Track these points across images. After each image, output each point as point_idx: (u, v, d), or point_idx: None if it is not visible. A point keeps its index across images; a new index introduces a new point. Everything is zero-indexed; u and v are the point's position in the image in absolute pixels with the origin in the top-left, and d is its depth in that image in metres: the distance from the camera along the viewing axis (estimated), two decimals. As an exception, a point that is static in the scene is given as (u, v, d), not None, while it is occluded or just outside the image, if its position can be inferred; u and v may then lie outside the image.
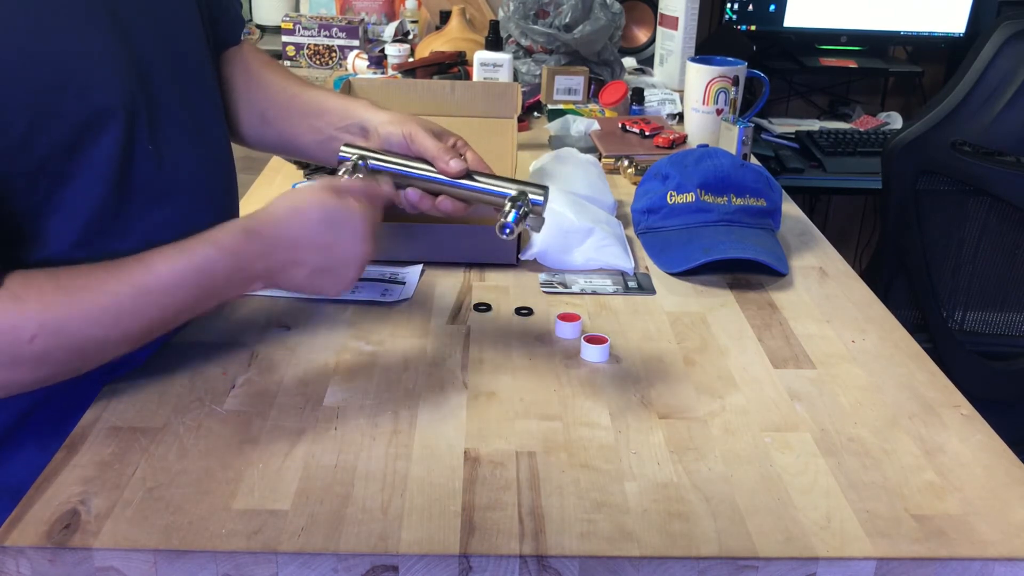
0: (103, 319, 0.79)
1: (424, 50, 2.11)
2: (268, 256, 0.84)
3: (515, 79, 1.93)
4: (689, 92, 1.69)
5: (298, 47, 2.23)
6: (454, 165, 0.93)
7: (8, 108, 0.77)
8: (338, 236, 0.84)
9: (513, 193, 0.93)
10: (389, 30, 2.32)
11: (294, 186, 1.42)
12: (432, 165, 0.95)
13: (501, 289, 1.13)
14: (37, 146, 0.79)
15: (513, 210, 0.91)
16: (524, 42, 1.98)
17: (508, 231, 0.90)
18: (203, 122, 0.98)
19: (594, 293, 1.12)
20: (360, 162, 0.95)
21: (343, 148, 0.96)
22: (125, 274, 0.80)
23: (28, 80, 0.77)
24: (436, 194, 0.95)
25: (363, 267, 0.87)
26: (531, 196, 0.93)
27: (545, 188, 0.94)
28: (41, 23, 0.79)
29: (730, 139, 1.56)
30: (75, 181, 0.83)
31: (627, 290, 1.13)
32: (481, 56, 1.86)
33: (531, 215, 0.92)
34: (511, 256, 1.18)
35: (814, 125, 2.42)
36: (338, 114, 1.04)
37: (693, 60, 1.69)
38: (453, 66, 1.99)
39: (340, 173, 0.94)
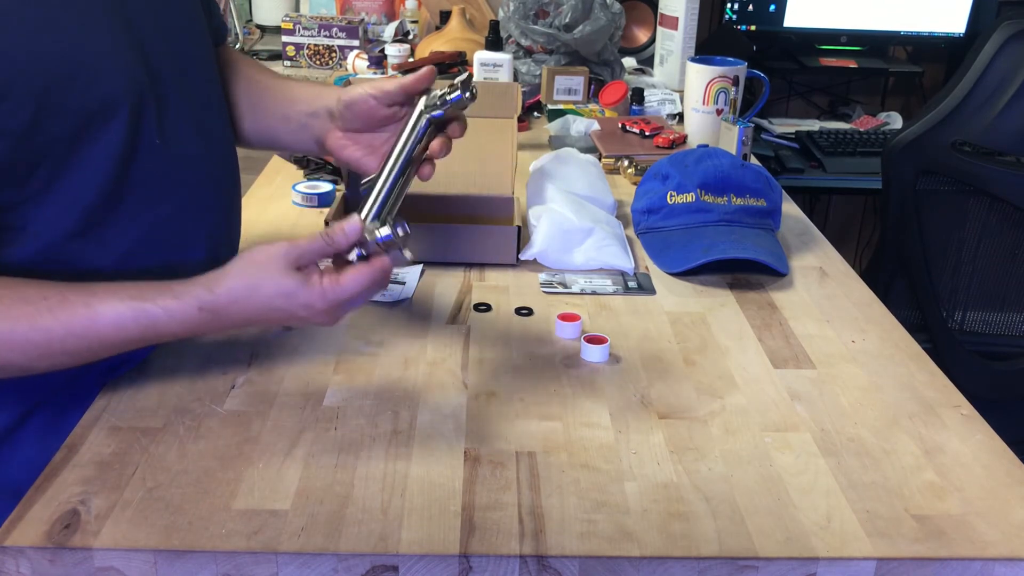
0: (30, 351, 0.79)
1: (424, 50, 2.11)
2: (221, 327, 0.84)
3: (515, 79, 1.93)
4: (689, 92, 1.69)
5: (298, 47, 2.23)
6: (424, 71, 0.91)
7: (14, 97, 0.77)
8: (291, 304, 0.81)
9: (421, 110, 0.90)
10: (389, 30, 2.32)
11: (294, 197, 1.42)
12: (409, 92, 0.92)
13: (501, 289, 1.13)
14: (41, 136, 0.80)
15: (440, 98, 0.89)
16: (524, 42, 1.98)
17: (467, 89, 0.88)
18: (207, 117, 0.98)
19: (594, 293, 1.12)
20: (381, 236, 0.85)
21: (363, 184, 0.91)
22: (67, 315, 0.79)
23: (35, 71, 0.78)
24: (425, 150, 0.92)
25: (336, 322, 0.83)
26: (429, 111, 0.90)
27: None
28: (49, 15, 0.80)
29: (730, 139, 1.56)
30: (75, 172, 0.83)
31: (627, 290, 1.13)
32: (481, 56, 1.86)
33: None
34: (511, 256, 1.18)
35: (814, 125, 2.42)
36: (307, 101, 1.03)
37: (693, 60, 1.68)
38: (453, 66, 1.99)
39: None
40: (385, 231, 0.83)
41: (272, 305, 0.81)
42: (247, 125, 1.09)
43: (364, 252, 0.83)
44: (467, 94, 0.88)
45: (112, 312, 0.80)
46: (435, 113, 0.89)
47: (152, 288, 0.81)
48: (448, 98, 0.89)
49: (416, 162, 0.90)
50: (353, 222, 0.82)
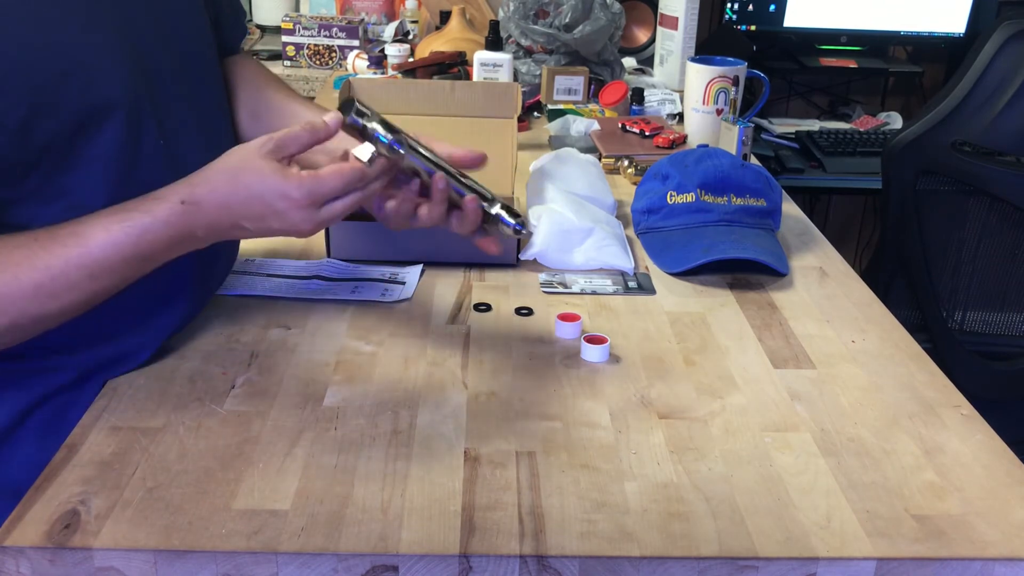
0: (39, 295, 0.79)
1: (424, 50, 2.11)
2: (207, 224, 0.83)
3: (515, 79, 1.93)
4: (689, 92, 1.69)
5: (298, 47, 2.23)
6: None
7: (8, 95, 0.77)
8: (274, 206, 0.81)
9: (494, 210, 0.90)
10: (389, 30, 2.32)
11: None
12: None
13: (501, 289, 1.13)
14: (36, 134, 0.80)
15: (506, 211, 0.89)
16: (524, 42, 1.98)
17: (521, 227, 0.88)
18: (209, 120, 0.98)
19: (594, 293, 1.12)
20: (372, 118, 0.83)
21: (357, 108, 0.83)
22: (60, 247, 0.79)
23: (28, 69, 0.78)
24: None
25: (316, 227, 0.83)
26: (510, 226, 0.90)
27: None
28: (43, 15, 0.80)
29: (730, 139, 1.56)
30: (76, 171, 0.83)
31: (627, 290, 1.13)
32: (481, 56, 1.86)
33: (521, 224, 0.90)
34: (511, 256, 1.18)
35: (814, 125, 2.42)
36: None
37: (693, 60, 1.68)
38: (453, 66, 1.99)
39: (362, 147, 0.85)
40: (378, 127, 0.82)
41: (251, 192, 0.80)
42: (258, 128, 1.09)
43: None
44: (518, 229, 0.89)
45: (101, 232, 0.80)
46: (495, 211, 0.89)
47: (134, 200, 0.82)
48: (510, 219, 0.89)
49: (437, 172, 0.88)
50: (335, 114, 0.82)
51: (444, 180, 0.86)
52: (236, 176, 0.81)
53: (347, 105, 0.83)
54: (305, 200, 0.80)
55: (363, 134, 0.83)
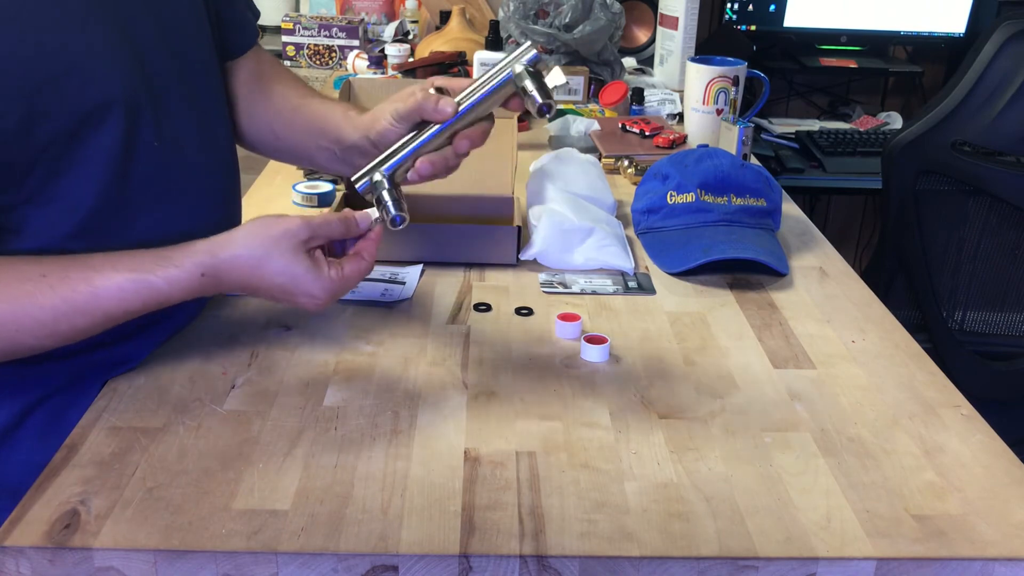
0: (36, 330, 0.80)
1: (424, 50, 2.11)
2: (221, 288, 0.85)
3: (515, 79, 1.92)
4: (689, 92, 1.69)
5: (298, 47, 2.23)
6: (443, 106, 0.88)
7: (4, 97, 0.77)
8: (295, 289, 0.84)
9: (516, 69, 0.87)
10: (389, 30, 2.33)
11: (294, 197, 1.42)
12: (429, 120, 0.90)
13: (501, 289, 1.13)
14: (35, 135, 0.80)
15: (534, 85, 0.86)
16: (524, 42, 1.98)
17: (547, 110, 0.86)
18: (208, 120, 0.98)
19: (594, 293, 1.12)
20: (379, 185, 0.90)
21: (356, 181, 0.91)
22: (69, 291, 0.80)
23: (26, 71, 0.78)
24: (450, 142, 0.91)
25: (322, 308, 0.86)
26: (525, 56, 0.87)
27: (528, 42, 0.89)
28: (41, 15, 0.79)
29: (730, 139, 1.56)
30: (73, 172, 0.83)
31: (627, 290, 1.13)
32: (481, 56, 1.86)
33: (543, 72, 0.87)
34: (511, 256, 1.18)
35: (814, 125, 2.42)
36: (336, 131, 1.02)
37: (693, 60, 1.68)
38: (453, 66, 1.99)
39: (369, 196, 0.90)
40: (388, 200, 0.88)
41: (274, 282, 0.83)
42: (282, 146, 1.09)
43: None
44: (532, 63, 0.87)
45: (114, 286, 0.81)
46: (531, 55, 0.87)
47: (151, 258, 0.83)
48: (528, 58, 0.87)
49: (455, 131, 0.90)
50: (364, 214, 0.88)
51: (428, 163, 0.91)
52: (262, 262, 0.83)
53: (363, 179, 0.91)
54: (327, 297, 0.85)
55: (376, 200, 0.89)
